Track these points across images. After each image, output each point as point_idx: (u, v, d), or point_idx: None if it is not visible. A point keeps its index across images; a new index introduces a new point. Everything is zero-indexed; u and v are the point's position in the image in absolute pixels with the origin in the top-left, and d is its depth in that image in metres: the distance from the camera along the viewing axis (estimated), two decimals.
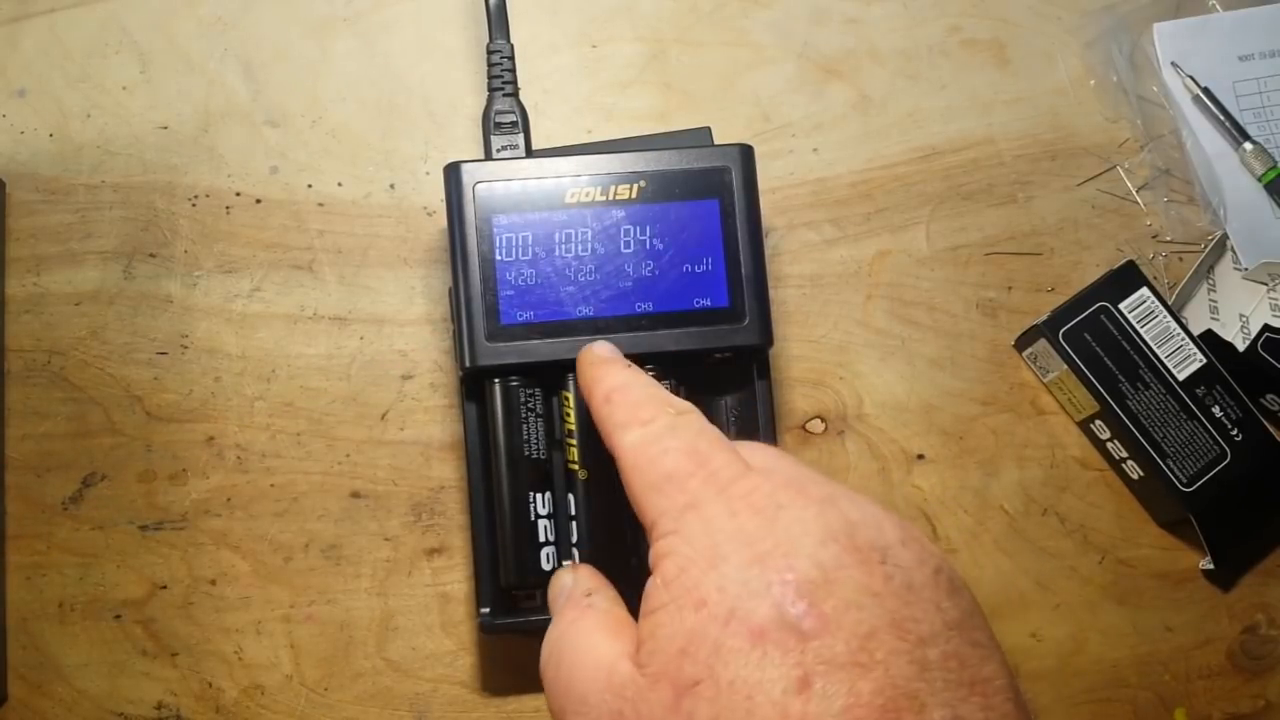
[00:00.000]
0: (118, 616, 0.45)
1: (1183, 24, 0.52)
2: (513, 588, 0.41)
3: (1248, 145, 0.50)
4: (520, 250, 0.41)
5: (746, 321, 0.42)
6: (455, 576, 0.45)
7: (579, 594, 0.35)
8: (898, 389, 0.48)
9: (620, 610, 0.34)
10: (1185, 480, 0.46)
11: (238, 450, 0.46)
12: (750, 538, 0.29)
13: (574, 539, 0.42)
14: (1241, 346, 0.47)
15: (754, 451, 0.33)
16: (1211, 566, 0.47)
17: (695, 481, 0.31)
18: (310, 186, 0.48)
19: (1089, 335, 0.47)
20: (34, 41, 0.49)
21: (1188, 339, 0.47)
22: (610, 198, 0.42)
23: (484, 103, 0.45)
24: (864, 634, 0.27)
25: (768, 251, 0.45)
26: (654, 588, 0.30)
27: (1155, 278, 0.49)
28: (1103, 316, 0.47)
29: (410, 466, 0.46)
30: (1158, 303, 0.47)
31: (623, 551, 0.42)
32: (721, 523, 0.30)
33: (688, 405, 0.35)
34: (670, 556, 0.30)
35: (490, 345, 0.41)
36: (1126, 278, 0.48)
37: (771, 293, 0.45)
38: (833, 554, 0.28)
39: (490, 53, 0.45)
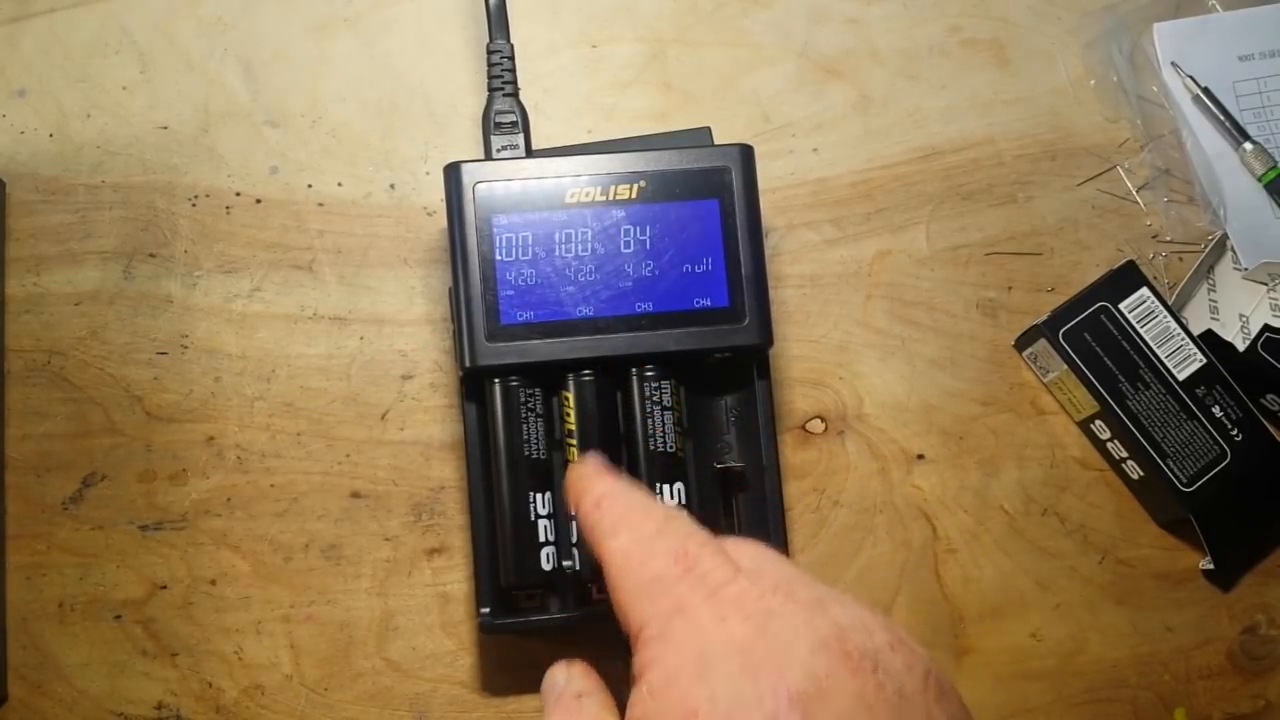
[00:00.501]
0: (118, 616, 0.45)
1: (1183, 24, 0.52)
2: (513, 588, 0.41)
3: (1248, 145, 0.50)
4: (520, 250, 0.41)
5: (746, 321, 0.42)
6: (455, 576, 0.45)
7: (569, 695, 0.34)
8: (898, 389, 0.48)
9: (611, 717, 0.33)
10: (1185, 480, 0.46)
11: (238, 450, 0.46)
12: (741, 645, 0.28)
13: (574, 539, 0.42)
14: (1241, 346, 0.47)
15: (741, 549, 0.32)
16: (1211, 566, 0.47)
17: (684, 585, 0.30)
18: (310, 186, 0.48)
19: (1089, 335, 0.47)
20: (34, 41, 0.49)
21: (1188, 339, 0.47)
22: (610, 198, 0.42)
23: (484, 103, 0.45)
24: None
25: (768, 251, 0.45)
26: (640, 697, 0.29)
27: (1155, 278, 0.49)
28: (1103, 316, 0.47)
29: (410, 466, 0.46)
30: (1158, 303, 0.47)
31: None
32: (711, 629, 0.29)
33: (676, 510, 0.34)
34: (658, 664, 0.29)
35: (490, 345, 0.41)
36: (1126, 278, 0.48)
37: (771, 293, 0.45)
38: (824, 663, 0.28)
39: (490, 53, 0.45)
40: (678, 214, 0.42)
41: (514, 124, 0.44)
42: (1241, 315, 0.49)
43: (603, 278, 0.42)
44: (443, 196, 0.43)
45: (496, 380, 0.42)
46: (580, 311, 0.41)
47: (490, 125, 0.44)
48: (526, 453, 0.41)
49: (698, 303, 0.42)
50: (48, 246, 0.47)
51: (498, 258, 0.41)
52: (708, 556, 0.31)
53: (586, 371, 0.42)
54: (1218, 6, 0.53)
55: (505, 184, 0.42)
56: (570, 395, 0.42)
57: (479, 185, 0.42)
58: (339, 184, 0.48)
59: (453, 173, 0.42)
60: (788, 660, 0.28)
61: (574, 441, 0.42)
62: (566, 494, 0.36)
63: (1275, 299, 0.48)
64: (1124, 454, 0.47)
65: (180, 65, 0.49)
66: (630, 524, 0.32)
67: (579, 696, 0.34)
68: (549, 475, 0.42)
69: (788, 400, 0.48)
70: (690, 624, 0.29)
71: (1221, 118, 0.51)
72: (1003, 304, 0.49)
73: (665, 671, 0.29)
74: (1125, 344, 0.47)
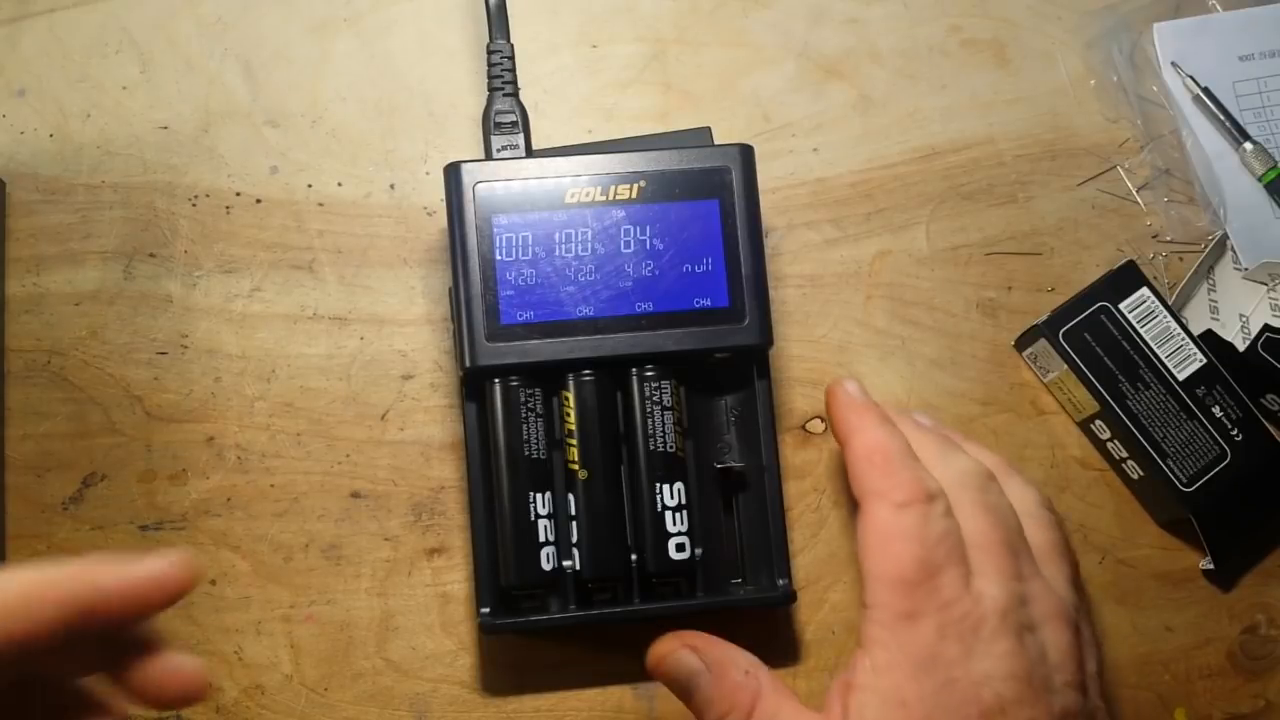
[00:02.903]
0: None
1: (1183, 24, 0.52)
2: (513, 588, 0.41)
3: (1248, 145, 0.50)
4: (520, 250, 0.41)
5: (746, 321, 0.42)
6: (455, 576, 0.45)
7: (735, 671, 0.38)
8: (898, 389, 0.48)
9: (781, 682, 0.39)
10: (1185, 480, 0.46)
11: (238, 450, 0.46)
12: (950, 662, 0.35)
13: (574, 539, 0.42)
14: (1241, 346, 0.47)
15: (986, 562, 0.37)
16: (1211, 566, 0.47)
17: (920, 593, 0.36)
18: (310, 186, 0.48)
19: (1089, 335, 0.47)
20: (34, 41, 0.49)
21: (1188, 339, 0.47)
22: (610, 198, 0.42)
23: (484, 103, 0.45)
24: None
25: (768, 251, 0.45)
26: (864, 669, 0.36)
27: (1155, 278, 0.49)
28: (1103, 316, 0.47)
29: (410, 466, 0.46)
30: (1158, 303, 0.47)
31: (623, 551, 0.42)
32: (930, 640, 0.36)
33: (935, 487, 0.38)
34: (883, 646, 0.36)
35: (490, 345, 0.41)
36: (1126, 278, 0.48)
37: (771, 293, 0.45)
38: (1013, 690, 0.35)
39: (490, 53, 0.45)
40: (678, 214, 0.42)
41: (514, 124, 0.44)
42: (1241, 315, 0.49)
43: (603, 278, 0.42)
44: (443, 196, 0.43)
45: (496, 380, 0.42)
46: (580, 311, 0.41)
47: (490, 125, 0.44)
48: (526, 453, 0.41)
49: (698, 303, 0.42)
50: (48, 246, 0.47)
51: (498, 258, 0.41)
52: (948, 569, 0.37)
53: (586, 371, 0.42)
54: (1218, 6, 0.53)
55: (505, 184, 0.42)
56: (570, 395, 0.42)
57: (479, 185, 0.42)
58: (339, 184, 0.48)
59: (453, 173, 0.42)
60: (984, 683, 0.35)
61: (574, 441, 0.42)
62: (827, 410, 0.42)
63: (1275, 299, 0.48)
64: (1124, 454, 0.47)
65: (180, 65, 0.49)
66: (894, 501, 0.38)
67: (747, 673, 0.38)
68: (549, 475, 0.42)
69: (788, 400, 0.48)
70: (916, 631, 0.36)
71: (1221, 118, 0.51)
72: (1003, 304, 0.49)
73: (888, 657, 0.36)
74: (1125, 344, 0.47)
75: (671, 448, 0.42)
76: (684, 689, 0.39)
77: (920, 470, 0.39)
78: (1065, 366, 0.47)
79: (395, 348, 0.47)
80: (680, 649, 0.39)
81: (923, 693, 0.35)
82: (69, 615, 0.30)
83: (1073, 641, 0.37)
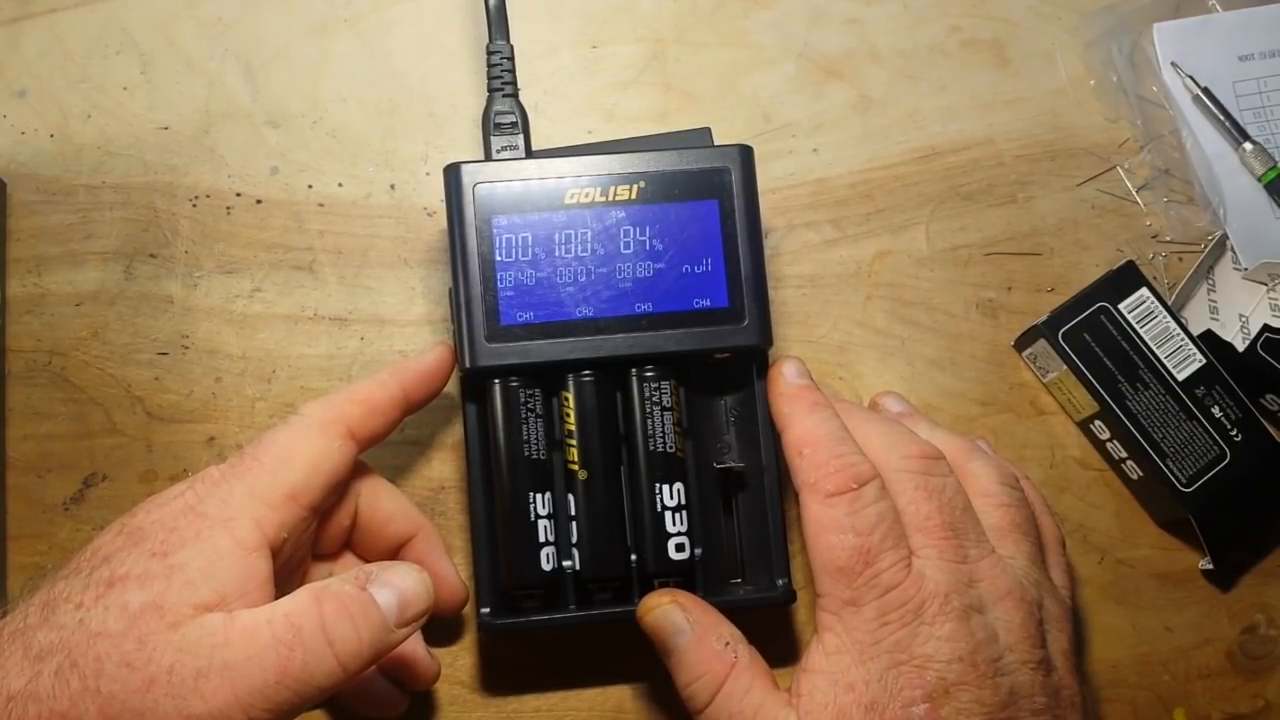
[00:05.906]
0: None
1: (1183, 24, 0.52)
2: (513, 588, 0.42)
3: (1248, 145, 0.50)
4: (520, 251, 0.41)
5: (746, 322, 0.42)
6: None
7: (715, 641, 0.39)
8: (897, 389, 0.48)
9: (761, 660, 0.39)
10: (1185, 480, 0.46)
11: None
12: (894, 646, 0.36)
13: (574, 539, 0.42)
14: (1241, 346, 0.47)
15: (923, 541, 0.38)
16: (1211, 566, 0.47)
17: (860, 581, 0.37)
18: (310, 187, 0.48)
19: (1089, 335, 0.47)
20: (34, 42, 0.49)
21: (1187, 339, 0.47)
22: (610, 198, 0.42)
23: (484, 103, 0.45)
24: None
25: (767, 252, 0.45)
26: (817, 651, 0.38)
27: (1155, 278, 0.49)
28: (1102, 317, 0.47)
29: (410, 466, 0.46)
30: (1157, 303, 0.47)
31: (623, 552, 0.42)
32: (873, 626, 0.37)
33: (867, 472, 0.39)
34: (832, 632, 0.38)
35: (490, 346, 0.41)
36: (1126, 278, 0.48)
37: (771, 293, 0.45)
38: (956, 672, 0.36)
39: (490, 53, 0.45)
40: (677, 214, 0.42)
41: (514, 125, 0.44)
42: (1241, 315, 0.49)
43: (602, 278, 0.42)
44: (443, 197, 0.43)
45: (496, 381, 0.42)
46: (580, 312, 0.41)
47: (490, 126, 0.44)
48: (526, 453, 0.41)
49: (697, 303, 0.42)
50: (49, 247, 0.47)
51: (497, 258, 0.41)
52: (885, 554, 0.37)
53: (586, 372, 0.42)
54: (1218, 6, 0.53)
55: (505, 185, 0.42)
56: (570, 395, 0.42)
57: (479, 186, 0.42)
58: (339, 184, 0.48)
59: (453, 173, 0.42)
60: (928, 665, 0.36)
61: (574, 441, 0.42)
62: (769, 398, 0.42)
63: (1275, 299, 0.48)
64: (1123, 454, 0.47)
65: (180, 66, 0.49)
66: (825, 491, 0.38)
67: (727, 644, 0.39)
68: (549, 475, 0.42)
69: None
70: (860, 617, 0.37)
71: (1221, 118, 0.51)
72: (1002, 304, 0.49)
73: (837, 642, 0.37)
74: (1125, 344, 0.47)
75: (671, 448, 0.42)
76: (664, 645, 0.39)
77: (851, 456, 0.39)
78: (1065, 367, 0.47)
79: (395, 348, 0.47)
80: (670, 604, 0.39)
81: (869, 676, 0.36)
82: (398, 408, 0.41)
83: (1027, 620, 0.38)
